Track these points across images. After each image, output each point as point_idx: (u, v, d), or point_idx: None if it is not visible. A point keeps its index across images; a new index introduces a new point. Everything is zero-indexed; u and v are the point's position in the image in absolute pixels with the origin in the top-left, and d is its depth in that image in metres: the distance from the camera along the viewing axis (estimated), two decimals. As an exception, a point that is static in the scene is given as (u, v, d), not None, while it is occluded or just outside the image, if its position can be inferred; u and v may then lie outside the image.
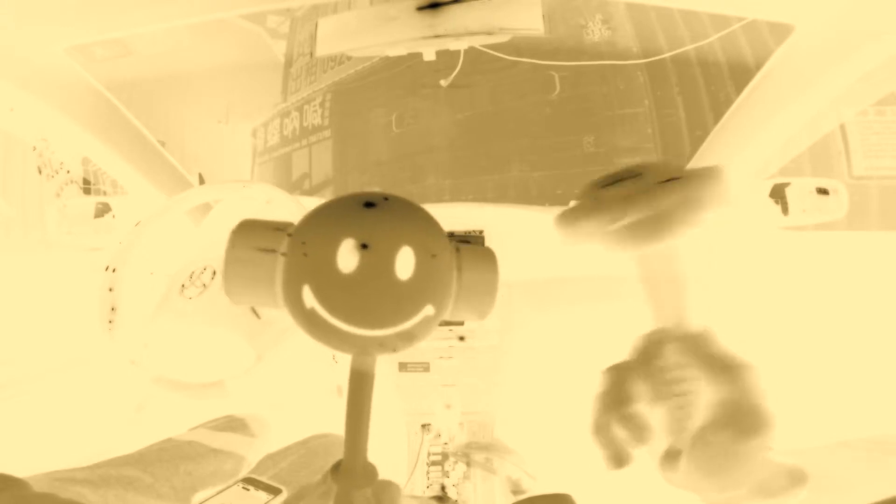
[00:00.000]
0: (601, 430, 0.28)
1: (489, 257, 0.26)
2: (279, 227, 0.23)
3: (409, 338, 0.23)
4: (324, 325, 0.21)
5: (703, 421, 0.28)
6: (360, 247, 0.21)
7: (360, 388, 0.25)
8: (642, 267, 0.30)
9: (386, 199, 0.23)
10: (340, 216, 0.22)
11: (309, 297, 0.21)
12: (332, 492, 0.25)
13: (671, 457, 0.28)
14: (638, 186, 0.28)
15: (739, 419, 0.26)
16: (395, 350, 0.23)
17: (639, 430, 0.27)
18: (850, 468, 0.32)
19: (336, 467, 0.26)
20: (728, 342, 0.29)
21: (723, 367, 0.28)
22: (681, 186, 0.28)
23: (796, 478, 0.28)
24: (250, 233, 0.23)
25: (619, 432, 0.28)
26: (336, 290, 0.21)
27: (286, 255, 0.22)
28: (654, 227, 0.28)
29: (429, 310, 0.22)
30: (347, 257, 0.21)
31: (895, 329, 0.94)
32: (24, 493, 0.44)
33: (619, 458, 0.27)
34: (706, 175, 0.28)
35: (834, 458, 0.32)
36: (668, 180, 0.28)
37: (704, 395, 0.29)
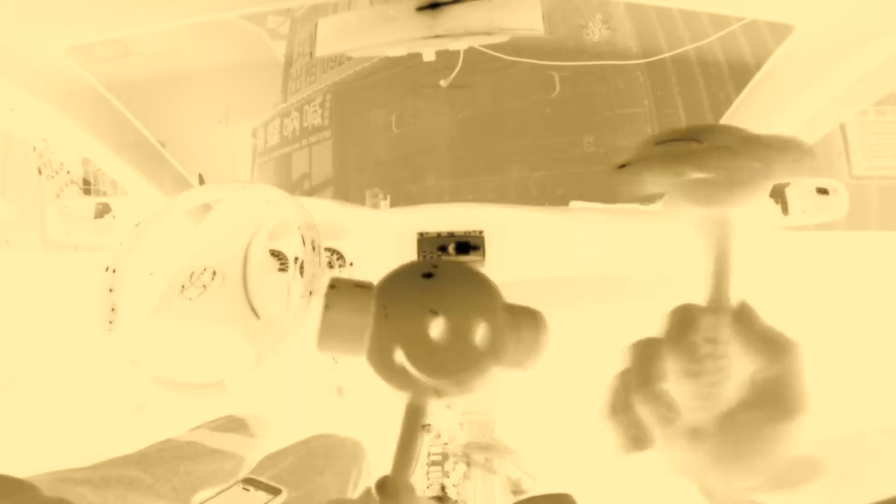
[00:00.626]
0: (624, 409, 0.26)
1: (540, 319, 0.31)
2: (366, 288, 0.28)
3: (469, 390, 0.28)
4: (408, 378, 0.26)
5: (736, 400, 0.26)
6: (446, 320, 0.26)
7: (417, 420, 0.29)
8: (691, 226, 0.29)
9: (449, 267, 0.28)
10: (425, 288, 0.27)
11: (400, 356, 0.26)
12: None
13: (697, 436, 0.26)
14: (713, 142, 0.27)
15: (777, 399, 0.25)
16: (453, 397, 0.28)
17: (667, 410, 0.25)
18: (863, 459, 0.31)
19: (381, 485, 0.29)
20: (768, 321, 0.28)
21: (767, 344, 0.26)
22: (763, 150, 0.26)
23: (813, 468, 0.27)
24: (345, 295, 0.27)
25: (644, 412, 0.26)
26: (425, 354, 0.26)
27: (377, 320, 0.26)
28: (719, 190, 0.26)
29: (495, 369, 0.28)
30: (436, 327, 0.26)
31: (895, 329, 0.94)
32: (36, 497, 0.44)
33: (640, 441, 0.26)
34: (790, 144, 0.26)
35: (847, 450, 0.31)
36: (750, 142, 0.26)
37: (737, 375, 0.27)
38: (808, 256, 0.98)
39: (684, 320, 0.28)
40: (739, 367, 0.27)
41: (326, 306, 0.26)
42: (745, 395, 0.26)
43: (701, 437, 0.26)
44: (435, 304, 0.26)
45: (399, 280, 0.28)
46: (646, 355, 0.28)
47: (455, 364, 0.26)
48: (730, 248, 0.28)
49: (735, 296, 0.28)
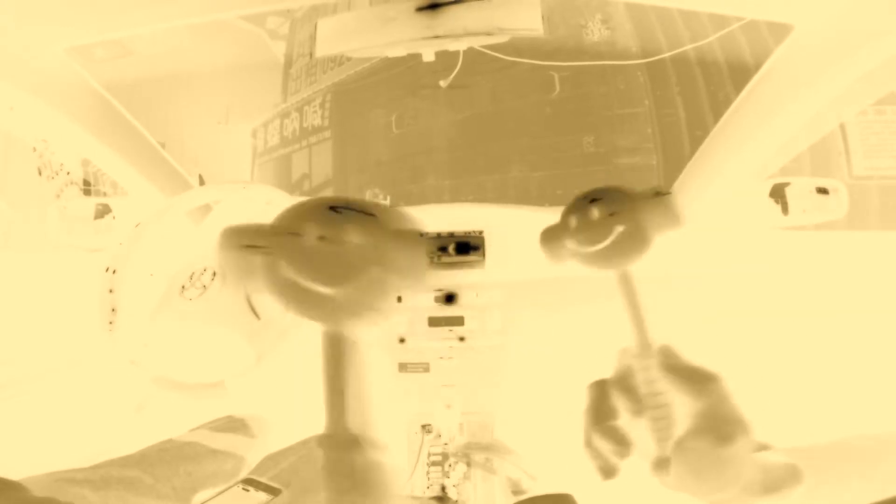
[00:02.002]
0: (588, 443, 0.31)
1: (415, 234, 0.32)
2: (258, 226, 0.30)
3: (367, 296, 0.29)
4: (303, 292, 0.28)
5: (684, 429, 0.29)
6: (319, 227, 0.28)
7: (335, 350, 0.30)
8: (619, 286, 0.34)
9: (347, 202, 0.31)
10: (301, 208, 0.30)
11: (285, 268, 0.28)
12: (321, 460, 0.29)
13: (660, 464, 0.30)
14: (609, 207, 0.32)
15: (715, 427, 0.28)
16: (361, 314, 0.29)
17: (619, 443, 0.29)
18: (846, 466, 0.33)
19: (320, 440, 0.29)
20: (702, 352, 0.32)
21: (690, 381, 0.30)
22: (639, 209, 0.31)
23: (792, 475, 0.29)
24: (236, 233, 0.30)
25: (603, 445, 0.30)
26: (304, 257, 0.28)
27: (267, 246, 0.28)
28: (632, 244, 0.32)
29: (375, 271, 0.29)
30: (308, 233, 0.28)
31: (895, 329, 0.94)
32: (24, 497, 0.44)
33: (606, 470, 0.30)
34: (659, 200, 0.32)
35: (831, 455, 0.33)
36: (648, 197, 0.32)
37: (681, 405, 0.30)
38: (808, 256, 0.98)
39: (624, 362, 0.32)
40: (679, 401, 0.30)
41: (220, 247, 0.29)
42: (688, 426, 0.29)
43: (663, 463, 0.30)
44: (308, 219, 0.28)
45: (289, 209, 0.30)
46: (597, 396, 0.32)
47: (335, 264, 0.28)
48: (638, 298, 0.33)
49: (656, 339, 0.32)
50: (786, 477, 0.29)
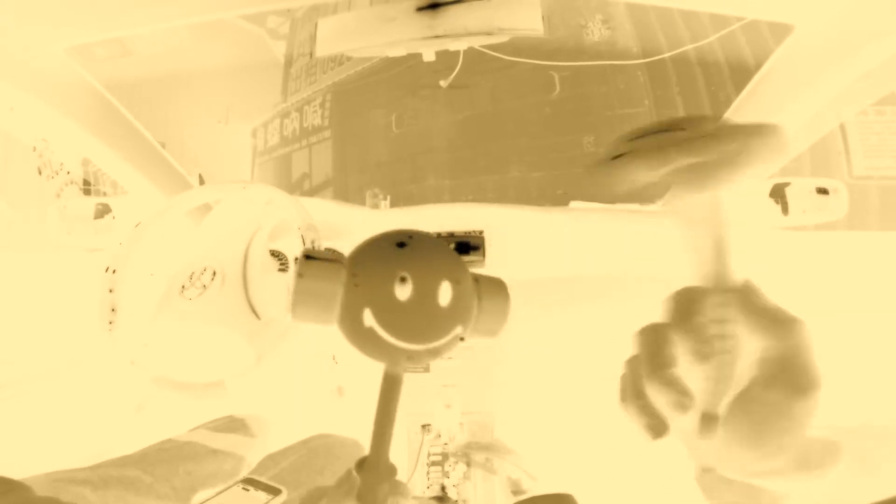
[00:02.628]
0: (637, 396, 0.26)
1: (503, 286, 0.33)
2: (337, 260, 0.29)
3: (437, 352, 0.29)
4: (377, 341, 0.27)
5: (749, 379, 0.26)
6: (413, 281, 0.27)
7: (392, 390, 0.31)
8: (685, 216, 0.29)
9: (422, 238, 0.30)
10: (392, 254, 0.29)
11: (369, 318, 0.27)
12: (356, 486, 0.29)
13: (709, 421, 0.26)
14: (690, 132, 0.27)
15: (791, 375, 0.25)
16: (424, 361, 0.29)
17: (682, 395, 0.25)
18: (882, 449, 0.31)
19: (360, 464, 0.30)
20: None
21: (774, 321, 0.26)
22: (739, 133, 0.26)
23: (832, 451, 0.27)
24: (317, 264, 0.29)
25: (659, 398, 0.25)
26: (392, 313, 0.27)
27: (347, 286, 0.28)
28: (709, 172, 0.27)
29: (459, 329, 0.29)
30: (403, 289, 0.27)
31: (895, 329, 0.94)
32: (28, 497, 0.44)
33: (658, 427, 0.26)
34: (763, 127, 0.27)
35: (858, 436, 0.31)
36: (723, 127, 0.27)
37: (748, 355, 0.26)
38: (808, 256, 0.98)
39: (689, 302, 0.28)
40: (748, 347, 0.26)
41: (299, 275, 0.28)
42: (757, 375, 0.26)
43: (715, 421, 0.26)
44: (402, 267, 0.27)
45: (369, 248, 0.29)
46: (653, 341, 0.27)
47: (421, 322, 0.27)
48: (726, 229, 0.28)
49: (739, 275, 0.28)
50: (825, 454, 0.27)
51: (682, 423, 0.27)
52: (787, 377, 0.25)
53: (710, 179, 0.27)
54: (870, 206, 1.88)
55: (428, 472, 0.86)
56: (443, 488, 0.83)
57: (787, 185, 0.85)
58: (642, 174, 0.28)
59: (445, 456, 0.87)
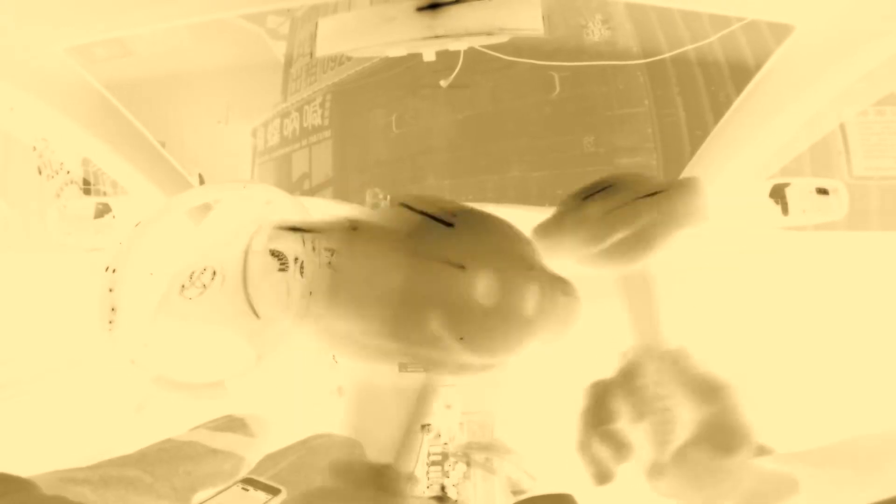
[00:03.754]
0: (584, 447, 0.29)
1: (573, 286, 0.28)
2: (392, 232, 0.22)
3: (503, 363, 0.23)
4: (438, 351, 0.21)
5: (685, 437, 0.28)
6: (498, 279, 0.20)
7: (428, 402, 0.26)
8: (620, 285, 0.31)
9: (499, 222, 0.23)
10: (468, 242, 0.21)
11: (437, 324, 0.20)
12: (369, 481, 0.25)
13: (656, 470, 0.29)
14: (615, 201, 0.28)
15: (718, 437, 0.27)
16: (473, 374, 0.25)
17: (619, 448, 0.27)
18: (844, 471, 0.32)
19: (381, 472, 0.25)
20: (710, 355, 0.30)
21: (700, 387, 0.28)
22: (662, 201, 0.28)
23: (789, 485, 0.29)
24: (369, 239, 0.21)
25: (601, 450, 0.28)
26: (471, 320, 0.20)
27: (408, 277, 0.20)
28: (635, 245, 0.29)
29: (534, 341, 0.24)
30: (485, 289, 0.20)
31: (895, 329, 0.94)
32: (36, 495, 0.44)
33: (602, 475, 0.28)
34: (684, 189, 0.29)
35: (828, 460, 0.33)
36: (647, 195, 0.28)
37: (686, 411, 0.29)
38: (808, 256, 0.98)
39: (630, 363, 0.30)
40: (687, 406, 0.29)
41: (342, 252, 0.20)
42: (691, 435, 0.28)
43: (659, 470, 0.28)
44: (481, 260, 0.20)
45: (434, 229, 0.21)
46: (598, 398, 0.29)
47: (503, 333, 0.21)
48: (656, 294, 0.31)
49: (670, 340, 0.30)
50: (782, 488, 0.29)
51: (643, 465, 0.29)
52: (716, 439, 0.27)
53: (641, 251, 0.29)
54: (870, 206, 1.88)
55: (428, 472, 0.86)
56: (443, 488, 0.83)
57: (787, 185, 0.85)
58: (578, 247, 0.30)
59: (445, 456, 0.87)
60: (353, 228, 0.21)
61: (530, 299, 0.22)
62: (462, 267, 0.20)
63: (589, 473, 0.28)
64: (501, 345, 0.22)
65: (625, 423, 0.29)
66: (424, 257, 0.21)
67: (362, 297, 0.20)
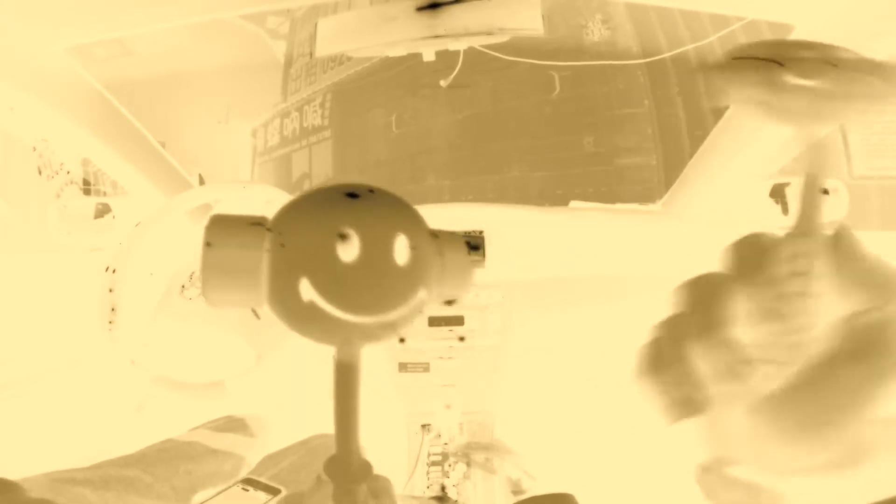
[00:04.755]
0: (675, 362, 0.20)
1: (462, 241, 0.27)
2: (257, 222, 0.23)
3: (403, 322, 0.23)
4: (321, 317, 0.21)
5: (824, 352, 0.20)
6: (360, 236, 0.21)
7: (348, 380, 0.24)
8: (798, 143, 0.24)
9: (371, 190, 0.24)
10: (330, 207, 0.23)
11: (307, 290, 0.21)
12: (330, 490, 0.25)
13: (765, 398, 0.20)
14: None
15: (885, 351, 0.19)
16: (383, 338, 0.24)
17: (740, 361, 0.19)
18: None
19: (330, 465, 0.25)
20: None
21: (872, 279, 0.20)
22: (878, 68, 0.21)
23: (887, 438, 0.20)
24: (229, 230, 0.23)
25: (705, 365, 0.20)
26: (338, 281, 0.21)
27: (274, 251, 0.22)
28: (833, 99, 0.21)
29: (422, 293, 0.23)
30: (347, 248, 0.21)
31: None
32: (21, 498, 0.44)
33: (693, 404, 0.20)
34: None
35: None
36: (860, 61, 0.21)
37: (824, 319, 0.20)
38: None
39: (760, 250, 0.22)
40: (828, 310, 0.21)
41: (207, 244, 0.22)
42: (837, 347, 0.19)
43: (762, 405, 0.20)
44: (343, 222, 0.21)
45: (300, 203, 0.23)
46: (710, 293, 0.21)
47: (374, 288, 0.22)
48: (821, 170, 0.23)
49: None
50: (878, 442, 0.20)
51: (732, 397, 0.21)
52: (878, 352, 0.19)
53: (817, 113, 0.22)
54: (870, 206, 1.88)
55: (428, 472, 0.86)
56: (443, 488, 0.83)
57: (787, 185, 0.85)
58: (745, 91, 0.22)
59: (445, 456, 0.88)
60: (213, 222, 0.23)
61: (399, 249, 0.22)
62: (333, 230, 0.21)
63: (673, 400, 0.20)
64: (377, 298, 0.22)
65: (737, 329, 0.20)
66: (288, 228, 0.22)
67: (239, 285, 0.22)
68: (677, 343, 0.21)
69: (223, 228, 0.23)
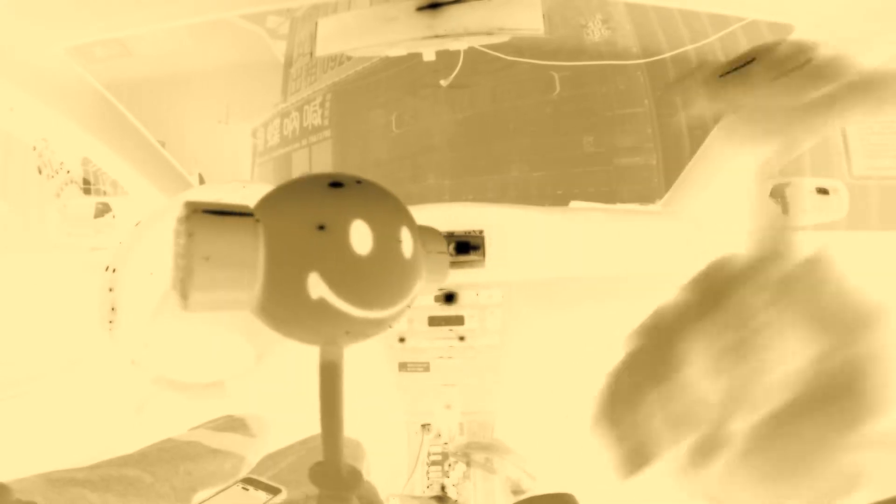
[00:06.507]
0: (623, 415, 0.19)
1: (440, 234, 0.27)
2: (243, 211, 0.20)
3: (399, 317, 0.22)
4: (325, 315, 0.20)
5: (788, 396, 0.18)
6: (372, 228, 0.20)
7: (334, 380, 0.22)
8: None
9: (358, 181, 0.23)
10: (334, 198, 0.21)
11: (317, 286, 0.19)
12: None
13: (708, 452, 0.18)
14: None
15: (853, 398, 0.17)
16: (371, 335, 0.23)
17: (695, 411, 0.17)
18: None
19: (317, 474, 0.23)
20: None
21: (846, 313, 0.18)
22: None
23: (852, 480, 0.19)
24: (218, 218, 0.19)
25: (656, 415, 0.18)
26: (352, 275, 0.20)
27: (271, 244, 0.19)
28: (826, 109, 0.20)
29: (418, 286, 0.23)
30: (361, 240, 0.19)
31: (895, 330, 0.94)
32: (7, 500, 0.44)
33: (641, 457, 0.18)
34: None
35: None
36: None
37: (786, 361, 0.18)
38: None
39: (722, 280, 0.20)
40: (798, 351, 0.19)
41: (189, 234, 0.18)
42: (802, 392, 0.18)
43: (713, 452, 0.18)
44: (353, 214, 0.19)
45: (290, 195, 0.21)
46: (661, 336, 0.19)
47: (384, 281, 0.20)
48: (785, 179, 0.24)
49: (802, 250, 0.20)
50: (846, 482, 0.18)
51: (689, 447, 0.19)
52: (846, 400, 0.17)
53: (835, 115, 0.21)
54: (870, 206, 1.88)
55: (428, 472, 0.86)
56: (443, 488, 0.83)
57: (787, 185, 0.85)
58: (749, 102, 0.22)
59: (445, 456, 0.88)
60: (192, 211, 0.20)
61: (405, 240, 0.21)
62: (346, 220, 0.19)
63: (621, 453, 0.19)
64: (386, 292, 0.21)
65: (696, 372, 0.18)
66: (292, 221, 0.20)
67: (230, 285, 0.20)
68: (628, 391, 0.19)
69: (210, 216, 0.19)
